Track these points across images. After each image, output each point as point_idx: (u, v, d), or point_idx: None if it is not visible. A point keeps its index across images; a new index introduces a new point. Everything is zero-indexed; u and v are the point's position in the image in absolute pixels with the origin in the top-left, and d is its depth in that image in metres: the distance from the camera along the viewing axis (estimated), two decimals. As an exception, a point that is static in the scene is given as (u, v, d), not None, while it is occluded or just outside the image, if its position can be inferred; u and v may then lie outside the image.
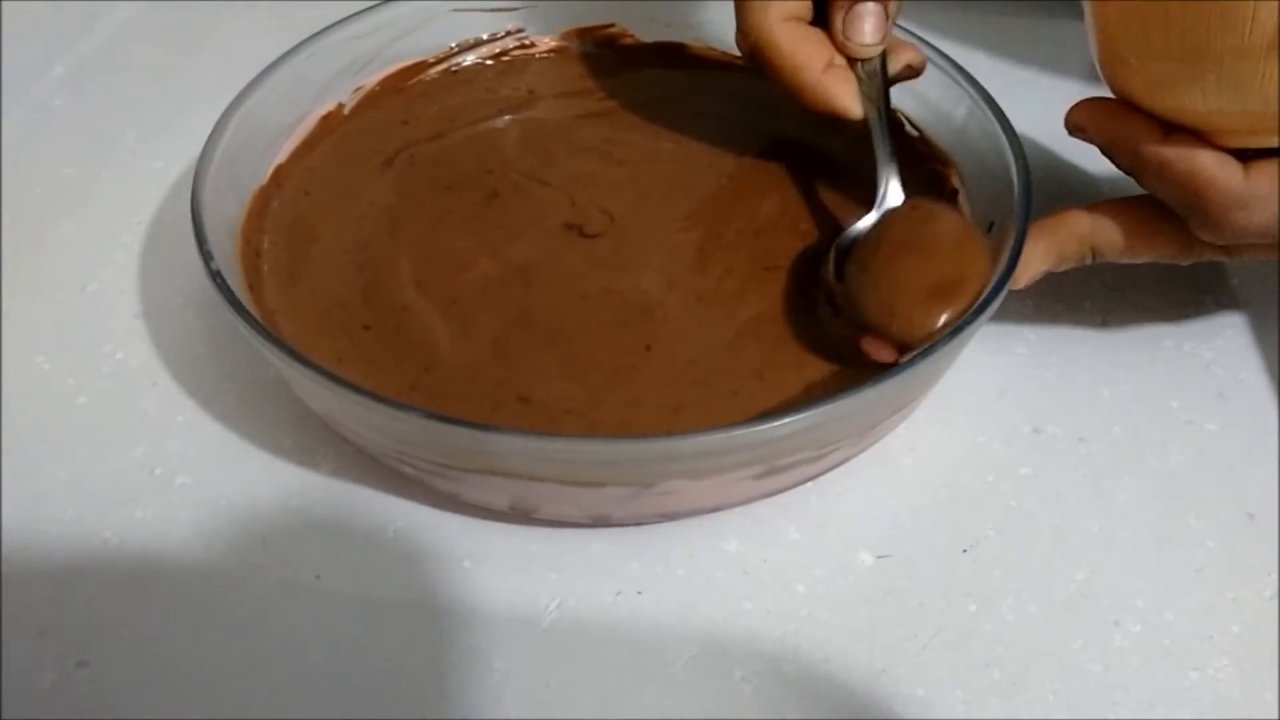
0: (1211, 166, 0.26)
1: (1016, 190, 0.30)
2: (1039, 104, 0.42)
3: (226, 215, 0.31)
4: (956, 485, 0.29)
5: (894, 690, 0.25)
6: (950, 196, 0.34)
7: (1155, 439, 0.30)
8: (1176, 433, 0.30)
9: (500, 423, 0.27)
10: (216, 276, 0.27)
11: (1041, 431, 0.30)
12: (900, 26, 0.36)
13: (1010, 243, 0.29)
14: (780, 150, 0.36)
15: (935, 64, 0.35)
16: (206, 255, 0.27)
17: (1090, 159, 0.39)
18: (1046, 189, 0.37)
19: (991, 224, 0.31)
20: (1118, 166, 0.29)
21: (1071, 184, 0.38)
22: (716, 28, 0.40)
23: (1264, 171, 0.26)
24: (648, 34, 0.41)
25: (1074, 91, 0.43)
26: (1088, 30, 0.28)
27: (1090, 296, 0.34)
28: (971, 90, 0.33)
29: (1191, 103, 0.26)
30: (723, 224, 0.34)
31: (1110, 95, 0.29)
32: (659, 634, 0.26)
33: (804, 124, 0.37)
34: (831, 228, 0.33)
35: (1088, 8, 0.28)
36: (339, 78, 0.37)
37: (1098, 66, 0.29)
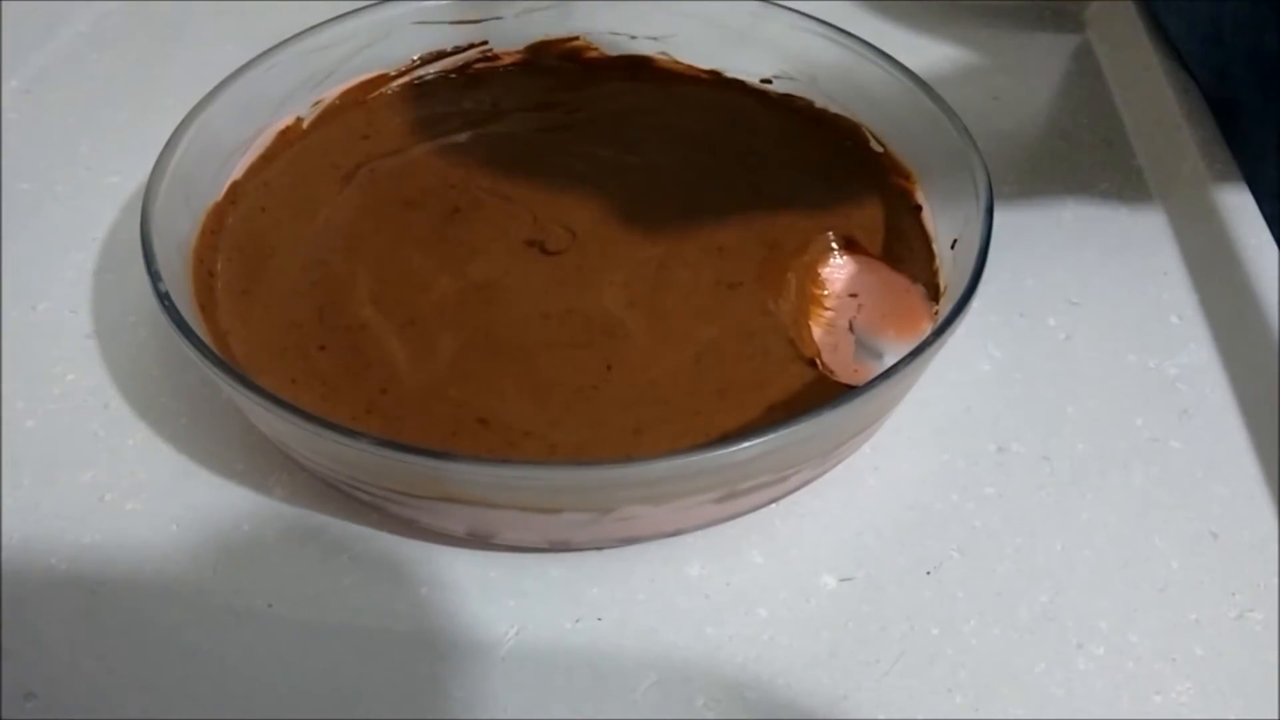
0: None
1: (980, 206, 0.30)
2: (1004, 118, 0.42)
3: (179, 233, 0.31)
4: (920, 505, 0.29)
5: (855, 716, 0.24)
6: (914, 212, 0.34)
7: (1119, 457, 0.30)
8: (1140, 450, 0.30)
9: (458, 445, 0.27)
10: (164, 298, 0.26)
11: (1006, 450, 0.30)
12: (864, 41, 0.36)
13: (974, 259, 0.28)
14: (746, 164, 0.36)
15: (897, 77, 0.34)
16: (154, 275, 0.27)
17: (1054, 175, 0.39)
18: (1009, 206, 0.37)
19: (955, 240, 0.31)
20: None
21: (1033, 202, 0.38)
22: (682, 41, 0.40)
23: None
24: (613, 47, 0.40)
25: (1041, 105, 0.43)
26: None
27: (1055, 313, 0.34)
28: (935, 104, 0.33)
29: None
30: (686, 240, 0.33)
31: None
32: (619, 661, 0.25)
33: (769, 138, 0.37)
34: (797, 244, 0.33)
35: None
36: (298, 91, 0.36)
37: None
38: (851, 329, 0.32)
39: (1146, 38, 0.43)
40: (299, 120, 0.36)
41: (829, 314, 0.32)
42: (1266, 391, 0.31)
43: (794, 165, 0.36)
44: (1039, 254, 0.36)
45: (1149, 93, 0.41)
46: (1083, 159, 0.40)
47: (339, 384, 0.29)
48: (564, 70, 0.40)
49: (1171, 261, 0.36)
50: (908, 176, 0.35)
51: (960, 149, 0.32)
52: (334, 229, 0.33)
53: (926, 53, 0.45)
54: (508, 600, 0.26)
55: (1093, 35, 0.47)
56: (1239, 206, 0.36)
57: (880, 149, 0.36)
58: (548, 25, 0.40)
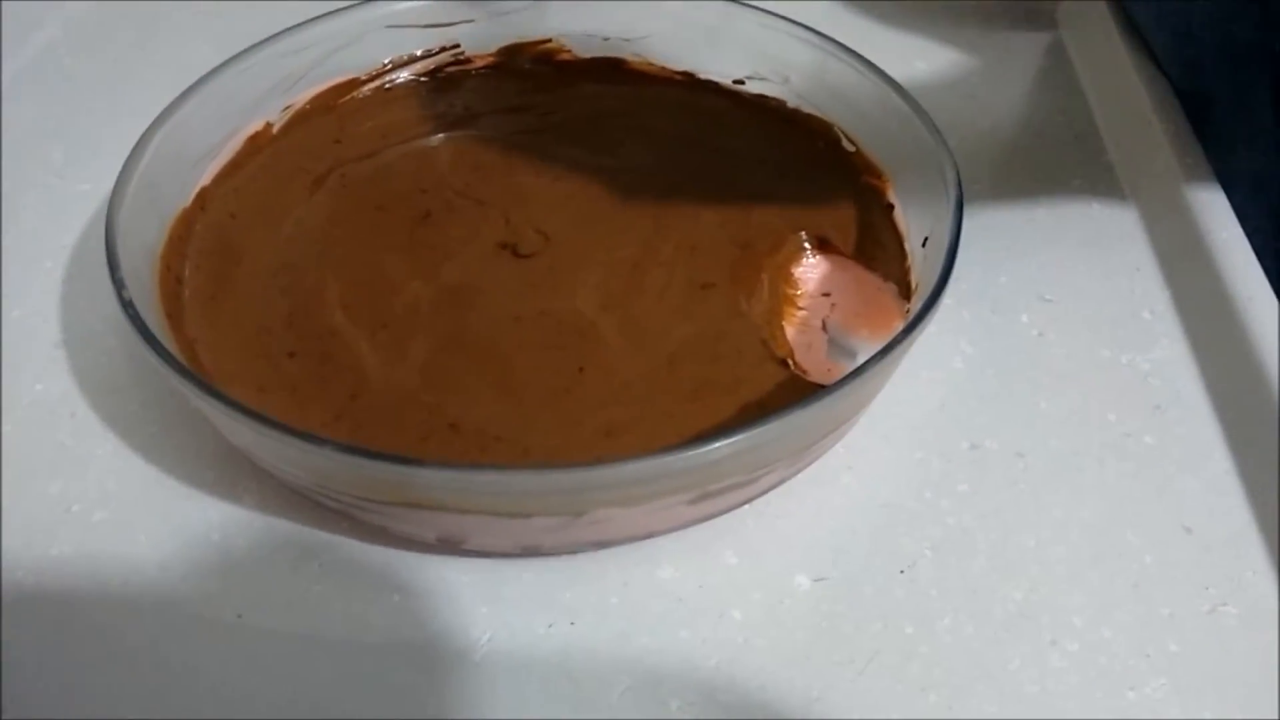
0: None
1: (950, 204, 0.30)
2: (977, 115, 0.42)
3: (146, 240, 0.30)
4: (894, 504, 0.29)
5: (830, 717, 0.24)
6: (886, 210, 0.34)
7: (1092, 452, 0.30)
8: (1114, 446, 0.30)
9: (429, 450, 0.27)
10: (128, 306, 0.26)
11: (979, 446, 0.30)
12: (836, 42, 0.36)
13: (944, 257, 0.28)
14: (719, 165, 0.36)
15: (869, 77, 0.34)
16: (118, 283, 0.26)
17: (1026, 173, 0.39)
18: (982, 203, 0.37)
19: (925, 238, 0.31)
20: None
21: (1005, 200, 0.38)
22: (655, 42, 0.40)
23: None
24: (586, 49, 0.40)
25: (1014, 103, 0.43)
26: None
27: (1027, 309, 0.34)
28: (906, 104, 0.33)
29: None
30: (660, 240, 0.33)
31: None
32: (593, 665, 0.25)
33: (742, 137, 0.37)
34: (771, 243, 0.33)
35: None
36: (268, 96, 0.36)
37: None
38: (825, 328, 0.32)
39: (1118, 34, 0.44)
40: (269, 125, 0.36)
41: (802, 313, 0.32)
42: (1238, 386, 0.31)
43: (767, 165, 0.36)
44: (1012, 250, 0.36)
45: (1120, 89, 0.42)
46: (1055, 155, 0.40)
47: (308, 391, 0.28)
48: (537, 73, 0.40)
49: (1143, 257, 0.36)
50: (880, 175, 0.35)
51: (931, 148, 0.32)
52: (304, 234, 0.33)
53: (899, 52, 0.45)
54: (480, 606, 0.26)
55: (1065, 32, 0.47)
56: (1210, 202, 0.36)
57: (852, 148, 0.36)
58: (520, 28, 0.40)
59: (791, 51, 0.37)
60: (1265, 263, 0.39)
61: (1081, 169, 0.39)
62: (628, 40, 0.40)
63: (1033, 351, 0.32)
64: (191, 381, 0.24)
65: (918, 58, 0.45)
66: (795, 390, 0.29)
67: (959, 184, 0.30)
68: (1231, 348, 0.31)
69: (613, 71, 0.40)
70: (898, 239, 0.33)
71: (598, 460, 0.23)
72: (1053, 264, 0.35)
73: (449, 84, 0.39)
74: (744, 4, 0.38)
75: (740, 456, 0.24)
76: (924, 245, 0.31)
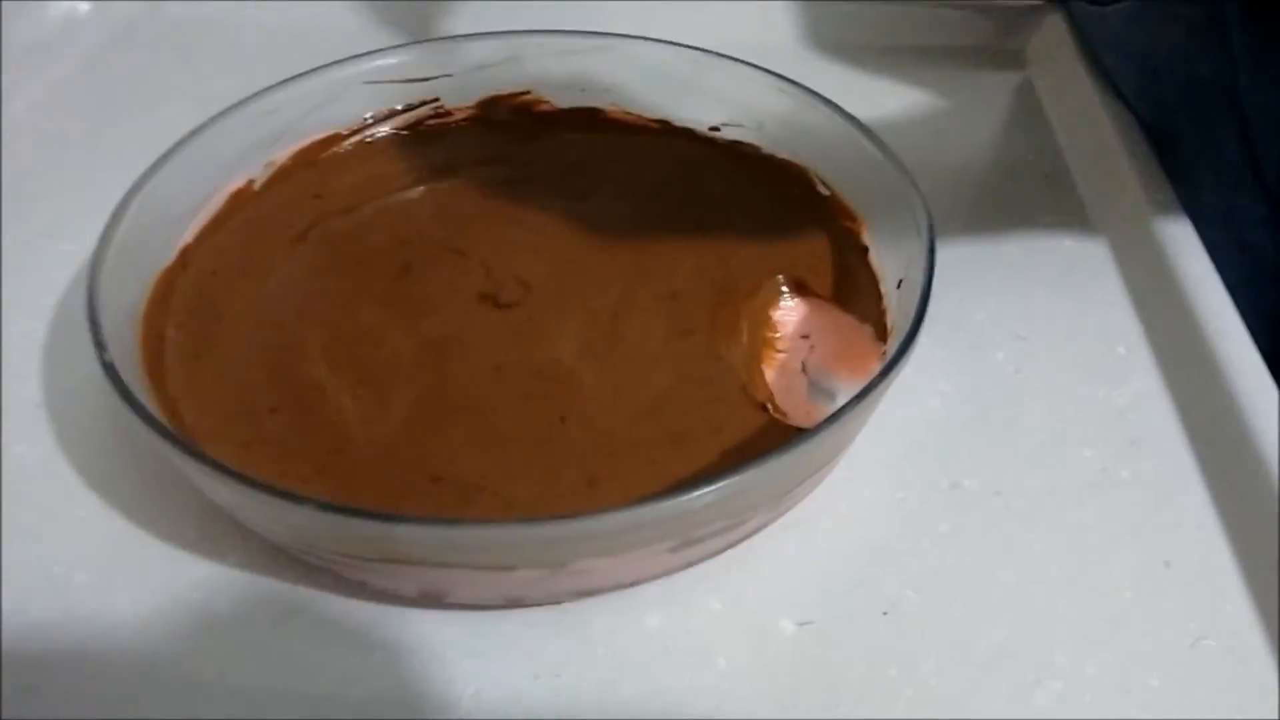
0: None
1: (923, 247, 0.30)
2: (948, 155, 0.43)
3: (128, 299, 0.31)
4: (876, 545, 0.29)
5: (817, 763, 0.24)
6: (861, 253, 0.34)
7: (1070, 489, 0.30)
8: (1091, 482, 0.30)
9: (411, 503, 0.27)
10: (109, 367, 0.26)
11: (959, 485, 0.30)
12: (808, 89, 0.36)
13: (918, 298, 0.29)
14: (696, 211, 0.37)
15: (841, 122, 0.35)
16: (99, 344, 0.27)
17: (999, 211, 0.40)
18: (956, 241, 0.38)
19: (900, 280, 0.32)
20: None
21: (979, 238, 0.39)
22: (631, 91, 0.40)
23: None
24: (564, 100, 0.41)
25: (986, 141, 0.44)
26: None
27: (1003, 346, 0.34)
28: (877, 148, 0.34)
29: None
30: (639, 288, 0.33)
31: None
32: (580, 716, 0.25)
33: (718, 183, 0.38)
34: (749, 288, 0.33)
35: None
36: (250, 153, 0.36)
37: None
38: (804, 370, 0.32)
39: (1085, 73, 0.44)
40: (250, 182, 0.36)
41: (781, 356, 0.32)
42: (1213, 419, 0.31)
43: (744, 210, 0.37)
44: (986, 289, 0.36)
45: (1089, 126, 0.42)
46: (1026, 192, 0.41)
47: (290, 446, 0.28)
48: (516, 124, 0.40)
49: (1116, 291, 0.36)
50: (854, 219, 0.35)
51: (903, 191, 0.32)
52: (286, 290, 0.33)
53: (871, 95, 0.46)
54: (464, 660, 0.26)
55: (1033, 72, 0.48)
56: (1179, 235, 0.36)
57: (827, 192, 0.36)
58: (498, 80, 0.41)
59: (764, 98, 0.38)
60: (1235, 295, 0.39)
61: (1053, 205, 0.40)
62: (606, 89, 0.40)
63: (1009, 389, 0.33)
64: (171, 442, 0.24)
65: (890, 99, 0.46)
66: (776, 435, 0.29)
67: (930, 227, 0.30)
68: (1204, 381, 0.32)
69: (590, 121, 0.40)
70: (873, 281, 0.33)
71: (578, 512, 0.23)
72: (1027, 300, 0.36)
73: (429, 137, 0.40)
74: (717, 54, 0.38)
75: (721, 504, 0.25)
76: (899, 287, 0.32)
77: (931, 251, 0.30)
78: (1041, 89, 0.46)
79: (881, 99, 0.46)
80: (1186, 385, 0.32)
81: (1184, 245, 0.36)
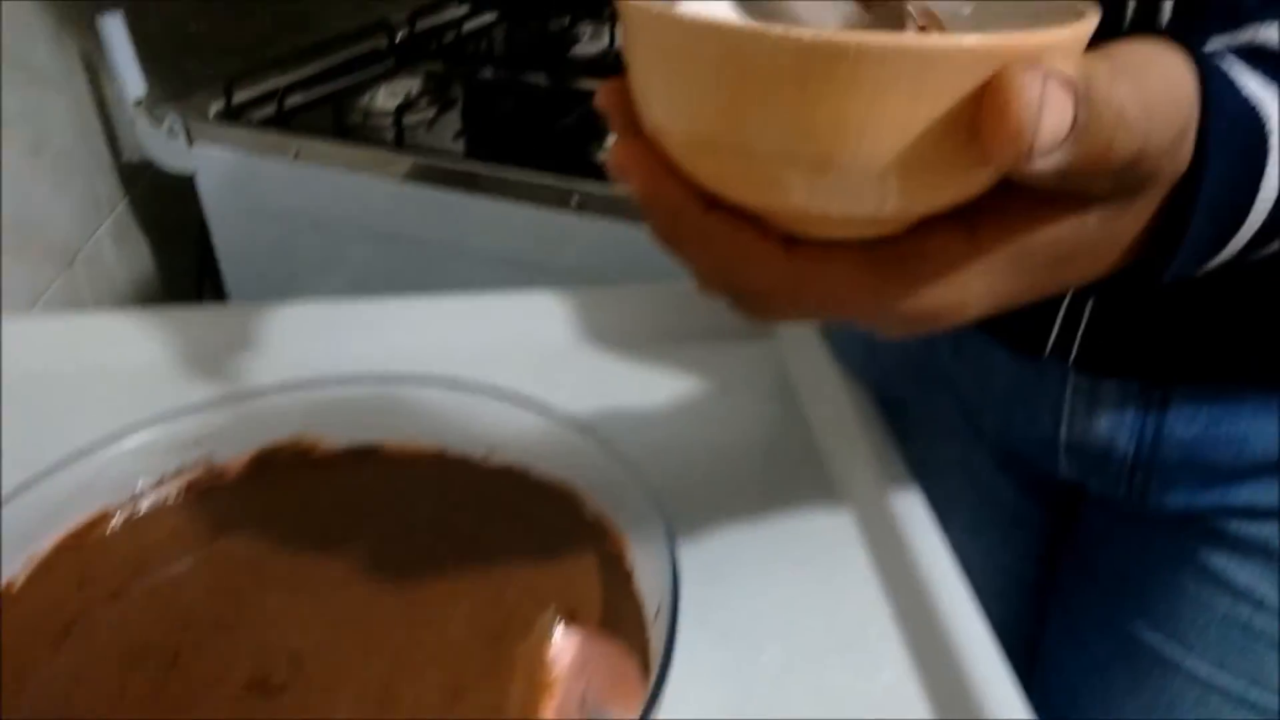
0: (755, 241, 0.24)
1: (668, 577, 0.32)
2: (712, 441, 0.45)
3: None
4: None
5: None
6: (625, 578, 0.36)
7: None
8: None
9: None
10: None
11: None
12: (566, 417, 0.39)
13: (665, 632, 0.31)
14: (469, 549, 0.38)
15: (596, 446, 0.38)
16: None
17: (761, 495, 0.42)
18: (719, 535, 0.40)
19: (658, 609, 0.34)
20: (652, 226, 0.26)
21: (741, 525, 0.41)
22: (407, 426, 0.42)
23: (804, 254, 0.24)
24: (340, 439, 0.42)
25: (741, 421, 0.47)
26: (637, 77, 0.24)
27: (770, 641, 0.36)
28: (629, 474, 0.36)
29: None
30: (411, 648, 0.34)
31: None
32: None
33: (491, 515, 0.40)
34: (522, 626, 0.35)
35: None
36: (9, 551, 0.36)
37: (641, 107, 0.25)
38: (584, 702, 0.33)
39: (826, 350, 0.49)
40: (10, 584, 0.36)
41: (559, 696, 0.33)
42: (960, 702, 0.34)
43: (516, 539, 0.38)
44: (752, 582, 0.39)
45: (831, 400, 0.47)
46: (784, 473, 0.44)
47: None
48: (291, 470, 0.41)
49: (865, 570, 0.39)
50: (618, 542, 0.37)
51: (653, 519, 0.35)
52: (48, 697, 0.32)
53: (643, 384, 0.49)
54: None
55: (784, 348, 0.52)
56: (913, 511, 0.40)
57: (592, 516, 0.39)
58: (270, 429, 0.42)
59: (530, 426, 0.40)
60: (980, 536, 0.43)
61: (807, 482, 0.43)
62: (381, 427, 0.42)
63: (776, 688, 0.35)
64: None
65: (659, 388, 0.49)
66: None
67: (673, 558, 0.33)
68: (947, 667, 0.34)
69: (367, 458, 0.42)
70: (637, 607, 0.35)
71: None
72: (787, 589, 0.38)
73: (202, 498, 0.40)
74: (485, 388, 0.41)
75: None
76: (655, 617, 0.33)
77: (676, 588, 0.32)
78: (791, 366, 0.51)
79: (653, 388, 0.49)
80: (932, 673, 0.35)
81: (917, 522, 0.40)
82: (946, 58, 0.21)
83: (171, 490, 0.40)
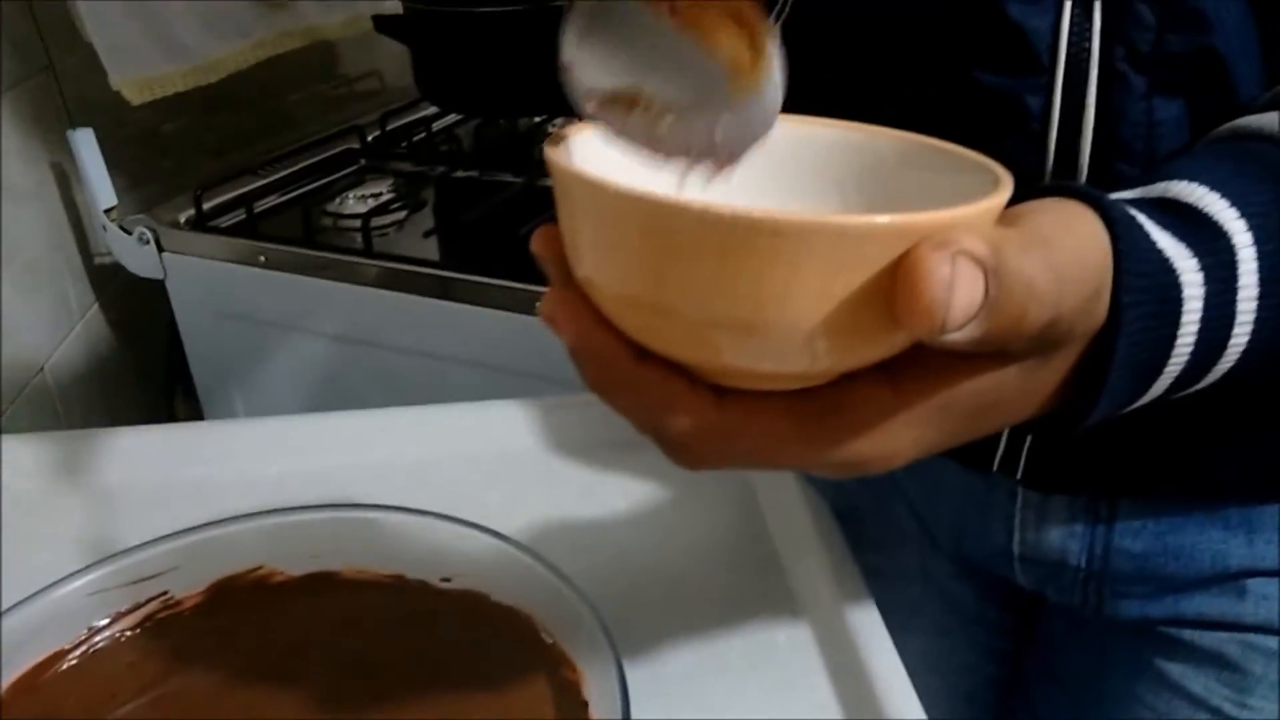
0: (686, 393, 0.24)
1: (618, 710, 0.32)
2: (665, 554, 0.45)
3: None
4: None
5: None
6: (582, 708, 0.36)
7: None
8: None
9: None
10: None
11: None
12: (520, 543, 0.39)
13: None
14: (427, 674, 0.38)
15: (548, 573, 0.38)
16: None
17: (723, 610, 0.42)
18: (682, 650, 0.40)
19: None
20: (583, 376, 0.26)
21: (706, 644, 0.41)
22: (365, 553, 0.42)
23: (734, 406, 0.24)
24: (298, 567, 0.42)
25: (703, 539, 0.48)
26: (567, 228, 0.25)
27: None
28: (583, 603, 0.36)
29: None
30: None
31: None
32: None
33: (450, 642, 0.40)
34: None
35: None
36: (-42, 697, 0.36)
37: (572, 260, 0.25)
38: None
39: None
40: (-43, 732, 0.35)
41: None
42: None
43: (474, 664, 0.38)
44: (706, 696, 0.38)
45: (792, 516, 0.47)
46: (742, 589, 0.44)
47: None
48: (250, 600, 0.41)
49: (823, 686, 0.39)
50: (574, 669, 0.37)
51: (603, 649, 0.35)
52: None
53: (601, 496, 0.50)
54: None
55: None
56: (869, 626, 0.40)
57: (550, 640, 0.39)
58: (228, 559, 0.42)
59: (487, 553, 0.40)
60: (943, 641, 0.44)
61: (767, 595, 0.44)
62: (338, 551, 0.42)
63: None
64: None
65: (620, 499, 0.50)
66: None
67: (624, 694, 0.33)
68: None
69: (325, 584, 0.42)
70: (593, 738, 0.35)
71: None
72: (751, 703, 0.38)
73: (158, 632, 0.40)
74: (443, 516, 0.41)
75: None
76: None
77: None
78: (752, 476, 0.51)
79: (612, 501, 0.49)
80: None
81: (872, 636, 0.40)
82: (860, 234, 0.22)
83: (127, 625, 0.40)
